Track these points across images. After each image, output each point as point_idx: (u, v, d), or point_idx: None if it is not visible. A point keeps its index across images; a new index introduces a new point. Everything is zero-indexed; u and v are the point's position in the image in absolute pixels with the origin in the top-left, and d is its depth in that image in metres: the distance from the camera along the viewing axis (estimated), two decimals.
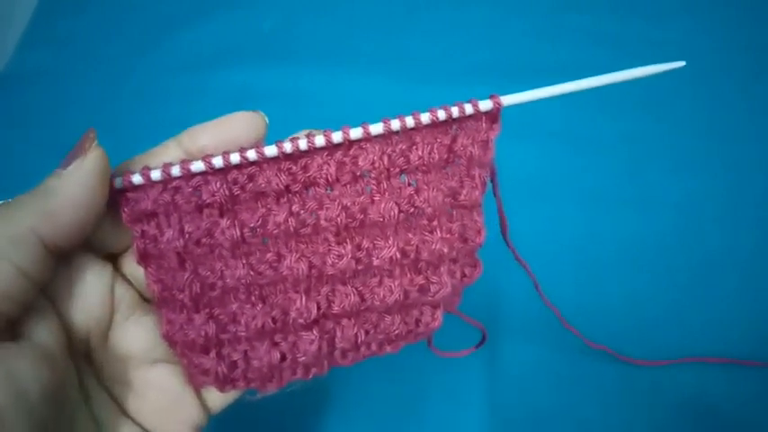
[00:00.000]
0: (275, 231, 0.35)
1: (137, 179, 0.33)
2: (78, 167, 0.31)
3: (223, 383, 0.38)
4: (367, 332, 0.38)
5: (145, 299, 0.38)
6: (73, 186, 0.31)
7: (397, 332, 0.39)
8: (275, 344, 0.38)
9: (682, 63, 0.38)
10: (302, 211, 0.35)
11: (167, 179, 0.33)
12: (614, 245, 0.72)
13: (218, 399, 0.40)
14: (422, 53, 0.90)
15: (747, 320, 0.67)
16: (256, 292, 0.37)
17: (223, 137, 0.35)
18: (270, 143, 0.37)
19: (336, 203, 0.35)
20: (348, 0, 0.97)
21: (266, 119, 0.36)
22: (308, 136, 0.35)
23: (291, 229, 0.35)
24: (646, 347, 0.65)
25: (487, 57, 0.89)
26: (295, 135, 0.38)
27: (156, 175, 0.33)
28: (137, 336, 0.36)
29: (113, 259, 0.37)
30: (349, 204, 0.36)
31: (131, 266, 0.37)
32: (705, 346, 0.65)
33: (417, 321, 0.39)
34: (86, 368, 0.35)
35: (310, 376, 0.40)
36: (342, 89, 0.86)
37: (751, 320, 0.67)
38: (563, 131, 0.79)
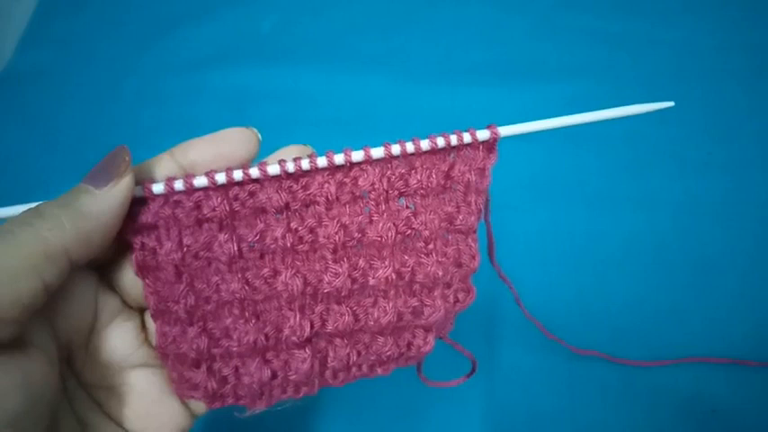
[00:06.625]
0: (273, 246, 0.36)
1: (138, 192, 0.34)
2: (112, 190, 0.31)
3: (212, 399, 0.38)
4: (359, 353, 0.39)
5: (129, 306, 0.38)
6: (106, 209, 0.32)
7: (388, 354, 0.39)
8: (267, 361, 0.38)
9: (671, 103, 0.39)
10: (300, 228, 0.36)
11: (169, 192, 0.34)
12: (615, 244, 0.72)
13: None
14: (422, 53, 0.90)
15: (748, 320, 0.67)
16: (250, 308, 0.37)
17: (215, 152, 0.35)
18: (268, 142, 0.37)
19: (335, 221, 0.36)
20: (348, 0, 0.97)
21: (259, 135, 0.36)
22: (310, 157, 0.35)
23: (289, 244, 0.36)
24: (646, 347, 0.65)
25: (487, 57, 0.89)
26: (284, 148, 0.38)
27: (158, 188, 0.34)
28: (117, 341, 0.36)
29: (98, 266, 0.37)
30: (347, 223, 0.36)
31: (116, 273, 0.37)
32: (706, 347, 0.65)
33: (409, 344, 0.40)
34: (68, 373, 0.35)
35: (300, 395, 0.40)
36: (341, 89, 0.86)
37: (751, 320, 0.67)
38: (564, 131, 0.79)
